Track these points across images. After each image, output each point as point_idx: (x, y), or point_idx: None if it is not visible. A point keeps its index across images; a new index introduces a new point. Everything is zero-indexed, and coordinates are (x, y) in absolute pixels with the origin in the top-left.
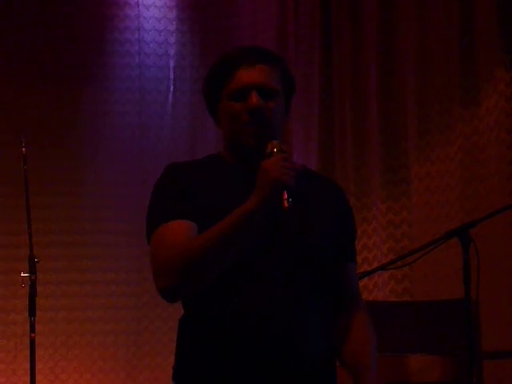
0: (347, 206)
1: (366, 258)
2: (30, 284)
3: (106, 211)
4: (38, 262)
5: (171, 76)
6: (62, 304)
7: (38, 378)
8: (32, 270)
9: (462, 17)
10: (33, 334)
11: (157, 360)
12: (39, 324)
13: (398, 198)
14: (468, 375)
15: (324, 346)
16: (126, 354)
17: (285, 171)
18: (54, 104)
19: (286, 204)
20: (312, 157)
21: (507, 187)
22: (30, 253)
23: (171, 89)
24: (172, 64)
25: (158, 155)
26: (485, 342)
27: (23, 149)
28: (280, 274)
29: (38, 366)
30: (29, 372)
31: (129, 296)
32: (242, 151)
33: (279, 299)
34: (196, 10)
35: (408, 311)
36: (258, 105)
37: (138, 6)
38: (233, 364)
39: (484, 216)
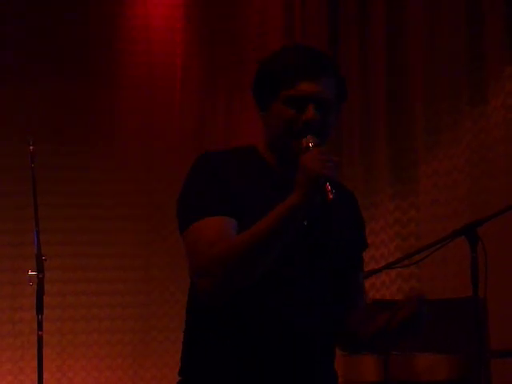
0: (361, 216)
1: (374, 257)
2: (37, 282)
3: (114, 209)
4: (45, 260)
5: (179, 74)
6: (70, 302)
7: (46, 376)
8: (39, 269)
9: (469, 15)
10: (40, 332)
11: (164, 358)
12: (46, 322)
13: (405, 196)
14: (476, 374)
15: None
16: (133, 351)
17: (324, 164)
18: (62, 102)
19: (330, 195)
20: None
21: None
22: (38, 251)
23: (178, 87)
24: (179, 62)
25: (165, 152)
26: (493, 340)
27: (31, 147)
28: (306, 282)
29: (46, 364)
30: (36, 370)
31: (136, 294)
32: (285, 156)
33: (304, 305)
34: (203, 8)
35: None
36: (315, 118)
37: (146, 4)
38: (243, 364)
39: (491, 214)
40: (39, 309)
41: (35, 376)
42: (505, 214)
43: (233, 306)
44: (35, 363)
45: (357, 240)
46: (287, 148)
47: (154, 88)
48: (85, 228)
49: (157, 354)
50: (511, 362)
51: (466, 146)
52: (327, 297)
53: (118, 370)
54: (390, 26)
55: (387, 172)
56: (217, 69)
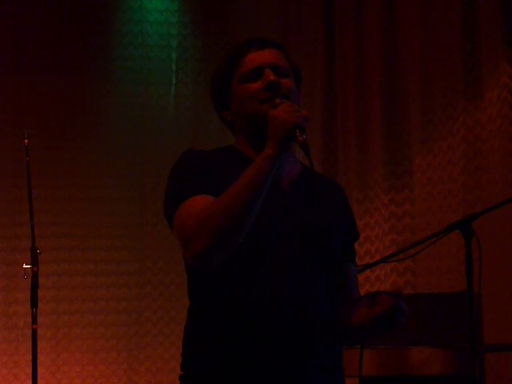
0: (349, 208)
1: (369, 251)
2: (31, 276)
3: (108, 203)
4: (40, 253)
5: (173, 68)
6: (64, 295)
7: (40, 369)
8: (34, 262)
9: (464, 9)
10: (35, 326)
11: (158, 351)
12: (41, 316)
13: (400, 190)
14: (470, 368)
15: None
16: (128, 345)
17: (293, 113)
18: (56, 96)
19: (300, 138)
20: (315, 148)
21: (509, 179)
22: (32, 244)
23: (174, 81)
24: (174, 56)
25: (160, 145)
26: (487, 334)
27: (25, 140)
28: (292, 256)
29: (40, 357)
30: (31, 364)
31: (130, 287)
32: (261, 132)
33: (292, 279)
34: (198, 2)
35: (410, 304)
36: (275, 79)
37: None
38: (245, 347)
39: (486, 209)
40: (34, 302)
41: (30, 369)
42: (499, 209)
43: (231, 297)
44: (30, 357)
45: (346, 229)
46: (262, 116)
47: (149, 82)
48: (79, 221)
49: (151, 347)
50: (505, 356)
51: (461, 139)
52: (315, 270)
53: (112, 363)
54: (386, 22)
55: (382, 166)
56: (212, 63)
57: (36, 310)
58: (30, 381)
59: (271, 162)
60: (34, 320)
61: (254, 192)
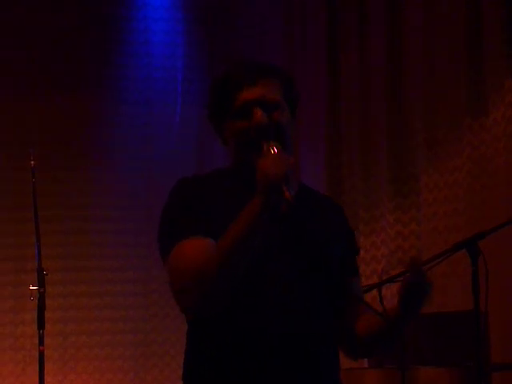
0: (348, 225)
1: (375, 270)
2: (38, 297)
3: (114, 223)
4: (46, 274)
5: (179, 89)
6: (71, 316)
7: None
8: (41, 283)
9: (469, 26)
10: (41, 347)
11: (165, 372)
12: (48, 337)
13: (406, 210)
14: None
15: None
16: (134, 366)
17: (279, 165)
18: (62, 116)
19: (288, 195)
20: (319, 167)
21: None
22: (39, 266)
23: (179, 101)
24: (180, 77)
25: (165, 167)
26: (494, 353)
27: (32, 162)
28: (293, 278)
29: (47, 379)
30: None
31: (136, 308)
32: (249, 169)
33: (294, 301)
34: (203, 23)
35: (417, 323)
36: (262, 120)
37: (146, 19)
38: (244, 365)
39: (492, 227)
40: (40, 324)
41: None
42: (506, 227)
43: (228, 314)
44: (37, 378)
45: (346, 244)
46: (249, 164)
47: (154, 102)
48: (85, 242)
49: (158, 368)
50: None
51: (467, 158)
52: (318, 291)
53: None
54: (390, 38)
55: (388, 185)
56: None
57: (43, 332)
58: None
59: (259, 218)
60: (41, 341)
61: (245, 245)
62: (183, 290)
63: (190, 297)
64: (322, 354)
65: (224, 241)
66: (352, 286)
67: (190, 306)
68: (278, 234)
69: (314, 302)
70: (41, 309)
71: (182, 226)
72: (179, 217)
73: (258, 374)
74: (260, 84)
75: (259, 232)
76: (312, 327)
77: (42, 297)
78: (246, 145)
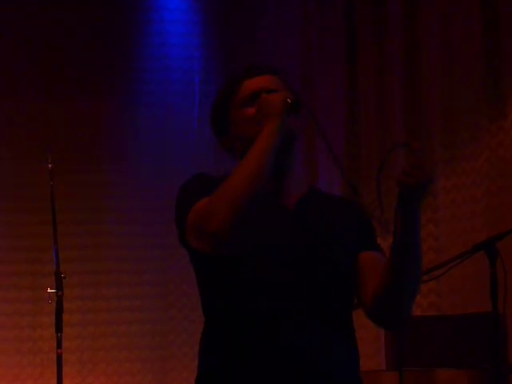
0: (366, 220)
1: None
2: (56, 300)
3: (132, 226)
4: (64, 277)
5: (196, 91)
6: (89, 319)
7: None
8: (58, 286)
9: (486, 29)
10: (59, 350)
11: (183, 374)
12: (66, 340)
13: (424, 211)
14: None
15: (348, 359)
16: (152, 368)
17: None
18: (80, 119)
19: (289, 101)
20: (335, 172)
21: None
22: (57, 269)
23: (196, 103)
24: (197, 79)
25: (182, 169)
26: None
27: (49, 165)
28: (304, 286)
29: (65, 382)
30: None
31: (154, 310)
32: None
33: (304, 311)
34: (219, 25)
35: (435, 325)
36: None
37: (163, 21)
38: (258, 367)
39: (511, 229)
40: (58, 327)
41: None
42: None
43: (243, 314)
44: (55, 381)
45: (361, 237)
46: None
47: (171, 105)
48: (103, 245)
49: (176, 370)
50: None
51: (485, 160)
52: (327, 300)
53: None
54: (407, 41)
55: None
56: None
57: (61, 335)
58: None
59: (274, 137)
60: (59, 344)
61: (262, 167)
62: (209, 213)
63: (218, 217)
64: (341, 353)
65: (240, 166)
66: (377, 256)
67: (215, 229)
68: (286, 241)
69: (328, 307)
70: (59, 312)
71: (199, 193)
72: (196, 189)
73: (271, 376)
74: (266, 75)
75: (274, 150)
76: (327, 333)
77: (59, 300)
78: (255, 129)
